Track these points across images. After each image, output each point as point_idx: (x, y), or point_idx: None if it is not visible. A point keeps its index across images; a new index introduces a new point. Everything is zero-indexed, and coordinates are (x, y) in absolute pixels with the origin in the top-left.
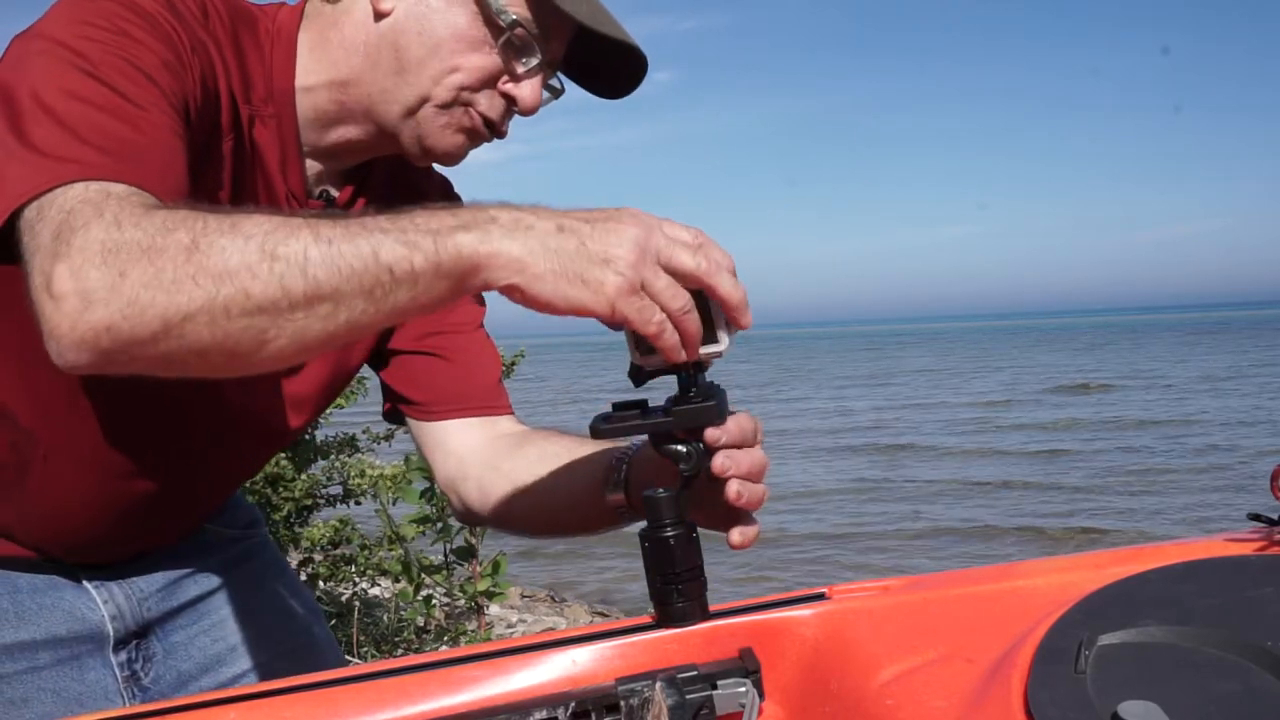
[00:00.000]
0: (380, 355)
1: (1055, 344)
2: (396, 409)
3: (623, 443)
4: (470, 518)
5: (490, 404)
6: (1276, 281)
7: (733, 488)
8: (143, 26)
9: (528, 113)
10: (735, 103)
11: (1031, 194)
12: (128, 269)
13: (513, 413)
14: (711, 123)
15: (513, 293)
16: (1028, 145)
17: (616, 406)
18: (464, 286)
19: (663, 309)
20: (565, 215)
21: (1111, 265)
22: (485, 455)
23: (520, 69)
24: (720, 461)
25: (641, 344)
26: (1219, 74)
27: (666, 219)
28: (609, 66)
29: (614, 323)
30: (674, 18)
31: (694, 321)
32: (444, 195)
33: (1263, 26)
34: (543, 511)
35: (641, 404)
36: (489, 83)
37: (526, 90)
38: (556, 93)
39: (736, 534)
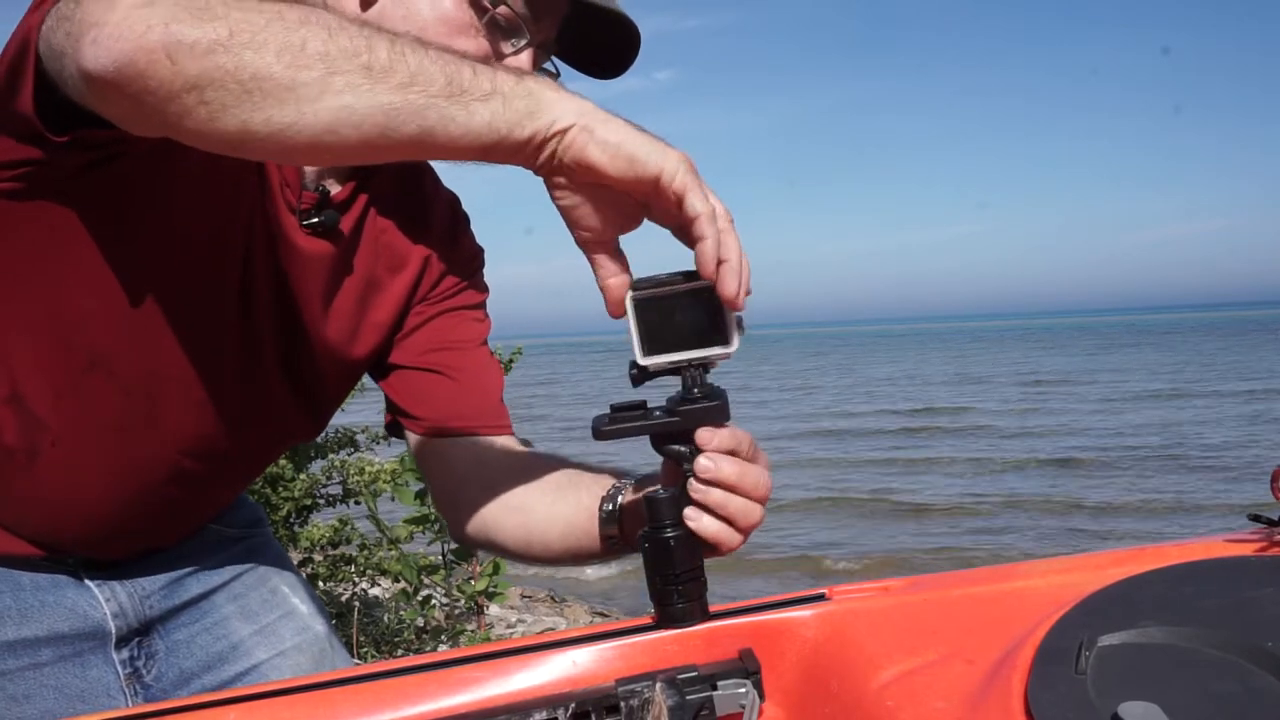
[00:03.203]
0: (382, 367)
1: (1064, 345)
2: (397, 422)
3: (618, 475)
4: (464, 538)
5: (490, 423)
6: (1278, 281)
7: (707, 497)
8: None
9: None
10: (735, 103)
11: (1032, 194)
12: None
13: (512, 432)
14: (711, 123)
15: (573, 142)
16: (1028, 145)
17: (616, 408)
18: (529, 127)
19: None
20: None
21: (1111, 265)
22: (482, 476)
23: (508, 50)
24: (703, 463)
25: (651, 337)
26: (1219, 74)
27: None
28: (602, 44)
29: (673, 196)
30: (675, 17)
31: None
32: (451, 209)
33: (1263, 26)
34: (537, 539)
35: (642, 404)
36: None
37: None
38: (551, 77)
39: (692, 510)
